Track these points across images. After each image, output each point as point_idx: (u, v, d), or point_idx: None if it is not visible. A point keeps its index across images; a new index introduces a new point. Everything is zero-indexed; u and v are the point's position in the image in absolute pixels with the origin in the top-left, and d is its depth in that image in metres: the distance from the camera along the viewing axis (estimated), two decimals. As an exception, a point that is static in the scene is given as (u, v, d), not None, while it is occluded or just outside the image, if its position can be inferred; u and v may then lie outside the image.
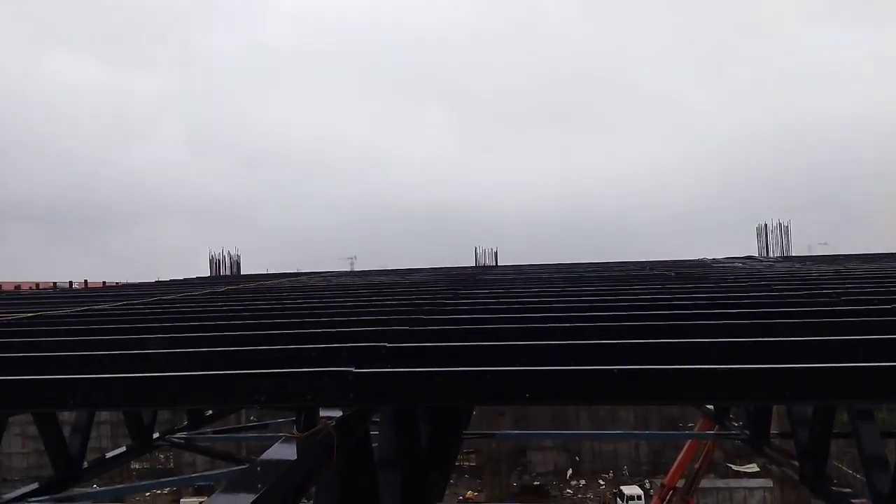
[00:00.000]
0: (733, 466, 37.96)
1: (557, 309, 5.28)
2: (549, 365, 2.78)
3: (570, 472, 39.52)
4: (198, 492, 31.55)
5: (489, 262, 23.14)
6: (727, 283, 7.89)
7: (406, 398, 2.73)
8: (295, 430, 2.56)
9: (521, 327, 4.06)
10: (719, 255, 16.97)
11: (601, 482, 39.23)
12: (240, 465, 10.74)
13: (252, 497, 1.96)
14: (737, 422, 8.61)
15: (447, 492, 5.80)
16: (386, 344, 3.26)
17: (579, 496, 38.11)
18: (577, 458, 40.12)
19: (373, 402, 2.75)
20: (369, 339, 3.53)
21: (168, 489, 32.20)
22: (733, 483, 35.88)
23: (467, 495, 35.61)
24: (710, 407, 9.09)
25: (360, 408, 2.92)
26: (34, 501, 5.93)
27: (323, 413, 2.72)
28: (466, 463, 37.72)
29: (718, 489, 34.82)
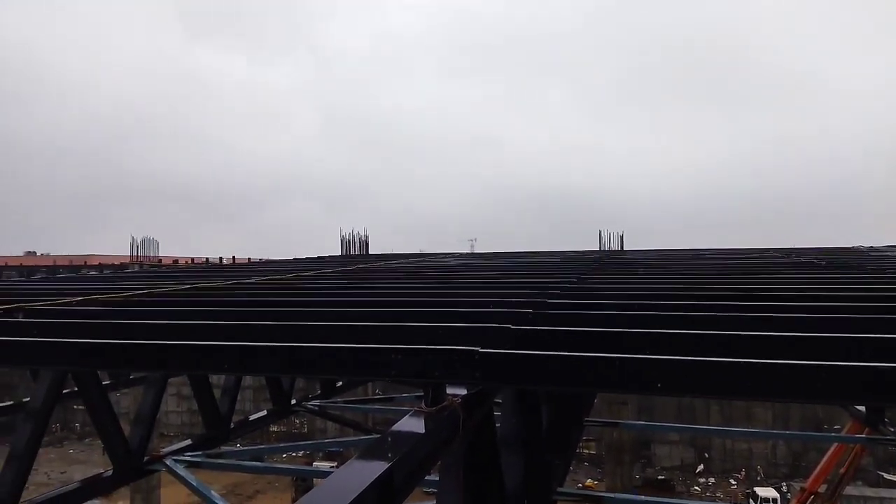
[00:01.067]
0: (885, 475, 34.43)
1: (687, 296, 5.02)
2: (679, 354, 2.65)
3: (700, 467, 37.74)
4: (328, 456, 33.56)
5: (614, 246, 22.48)
6: (890, 272, 7.11)
7: (532, 380, 2.73)
8: (423, 405, 2.64)
9: (649, 314, 3.91)
10: (878, 244, 15.32)
11: (732, 482, 37.11)
12: (367, 433, 11.29)
13: (384, 465, 2.05)
14: (893, 426, 7.80)
15: (566, 479, 5.74)
16: (510, 326, 3.27)
17: (707, 494, 36.32)
18: (706, 454, 38.20)
19: (498, 381, 2.77)
20: (494, 319, 3.55)
21: (302, 452, 34.53)
22: (884, 493, 32.55)
23: (587, 483, 35.09)
24: (862, 408, 8.29)
25: (485, 387, 2.95)
26: (188, 456, 6.55)
27: (449, 390, 2.78)
28: (586, 451, 37.13)
29: (867, 498, 31.72)
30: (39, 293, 6.21)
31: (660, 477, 37.21)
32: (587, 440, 35.83)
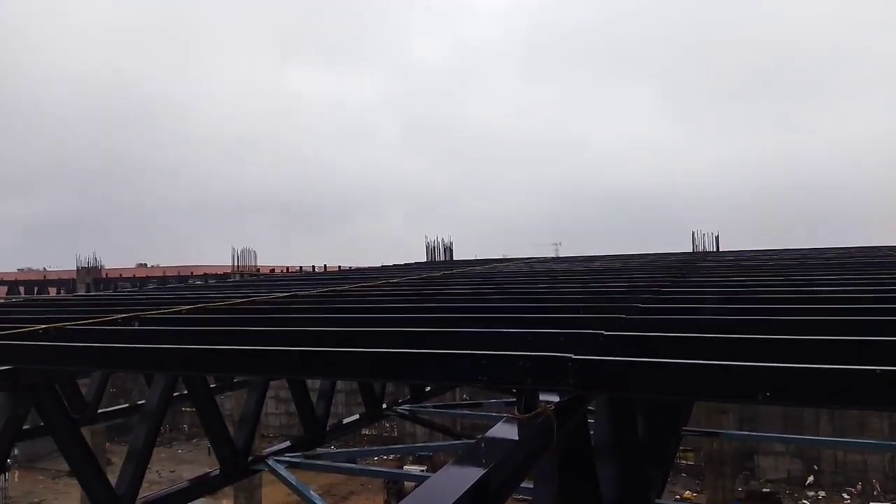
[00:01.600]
0: None
1: (787, 300, 4.74)
2: (788, 361, 2.50)
3: (810, 479, 35.37)
4: (418, 460, 33.98)
5: (709, 247, 21.47)
6: None
7: (628, 387, 2.66)
8: (516, 412, 2.63)
9: (751, 318, 3.72)
10: None
11: (845, 496, 34.50)
12: (456, 438, 11.34)
13: (480, 471, 2.06)
14: None
15: (664, 490, 5.54)
16: (603, 332, 3.20)
17: (817, 509, 33.97)
18: (815, 466, 35.74)
19: (592, 389, 2.72)
20: (585, 325, 3.49)
21: (393, 455, 35.15)
22: None
23: (685, 495, 33.67)
24: None
25: (579, 394, 2.90)
26: (288, 456, 6.82)
27: (542, 397, 2.75)
28: (684, 461, 35.62)
29: None
30: (153, 302, 6.67)
31: (764, 490, 35.15)
32: (685, 450, 34.38)
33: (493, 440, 2.41)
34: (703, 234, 22.25)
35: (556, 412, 2.64)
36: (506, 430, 2.50)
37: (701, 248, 21.40)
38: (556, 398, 2.78)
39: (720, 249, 20.91)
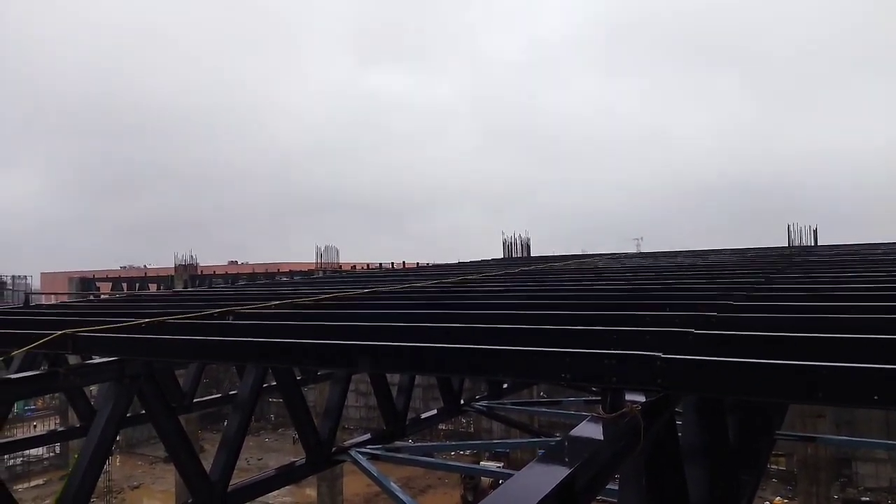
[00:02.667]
0: None
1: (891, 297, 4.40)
2: (890, 363, 2.33)
3: (913, 491, 32.83)
4: (494, 456, 33.97)
5: (806, 241, 20.25)
6: None
7: (720, 388, 2.55)
8: (601, 411, 2.58)
9: (853, 318, 3.49)
10: None
11: (958, 510, 31.84)
12: (534, 435, 11.25)
13: (565, 471, 2.04)
14: None
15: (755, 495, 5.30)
16: (693, 330, 3.09)
17: (925, 522, 31.52)
18: (923, 476, 33.14)
19: (682, 389, 2.63)
20: (674, 323, 3.38)
21: (469, 451, 35.31)
22: None
23: (776, 501, 32.06)
24: None
25: (666, 394, 2.82)
26: (369, 448, 6.97)
27: (628, 396, 2.69)
28: (775, 466, 33.92)
29: None
30: (245, 298, 6.99)
31: (863, 499, 32.96)
32: (777, 455, 32.70)
33: (578, 439, 2.38)
34: (800, 228, 20.97)
35: (643, 412, 2.57)
36: (591, 430, 2.46)
37: (797, 242, 20.19)
38: (642, 398, 2.71)
39: (818, 243, 19.69)
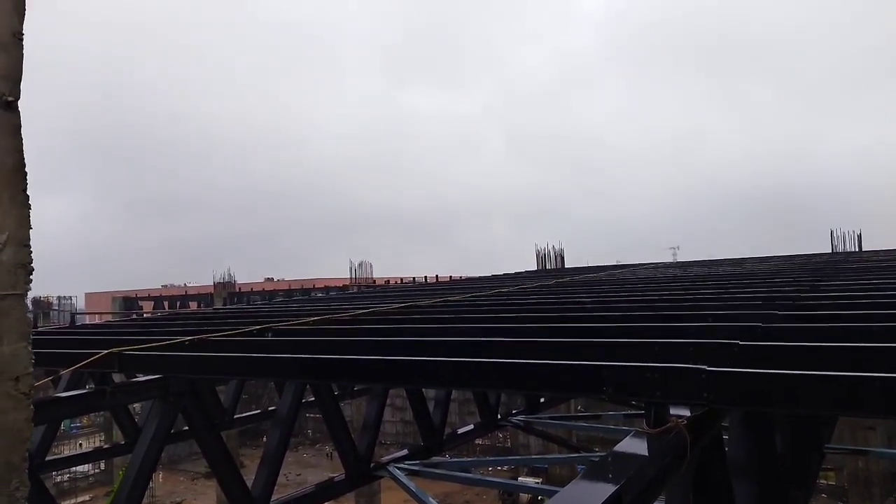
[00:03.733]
0: None
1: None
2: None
3: (973, 508, 31.28)
4: (532, 472, 33.54)
5: (851, 247, 19.65)
6: None
7: (768, 402, 2.47)
8: (645, 426, 2.53)
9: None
10: None
11: None
12: (572, 451, 11.08)
13: (611, 488, 1.99)
14: None
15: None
16: (738, 342, 3.01)
17: None
18: (984, 492, 31.60)
19: (730, 403, 2.56)
20: (717, 335, 3.30)
21: (507, 467, 34.96)
22: None
23: (826, 517, 30.89)
24: None
25: (712, 408, 2.75)
26: (407, 464, 6.96)
27: (672, 411, 2.63)
28: (824, 481, 32.74)
29: None
30: (282, 314, 7.07)
31: (921, 516, 31.55)
32: (826, 469, 31.58)
33: (623, 455, 2.33)
34: (843, 233, 20.33)
35: (688, 427, 2.51)
36: (636, 445, 2.41)
37: (841, 248, 19.59)
38: (687, 412, 2.65)
39: (863, 249, 19.07)
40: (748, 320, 3.81)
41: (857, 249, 19.25)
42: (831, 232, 20.63)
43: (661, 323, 4.19)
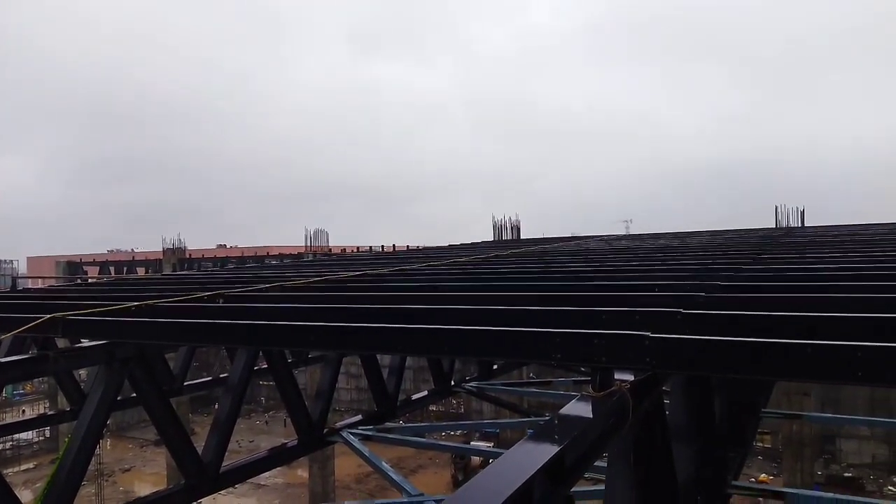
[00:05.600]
0: None
1: (872, 276, 4.47)
2: (873, 340, 2.36)
3: (898, 467, 33.51)
4: (484, 436, 34.29)
5: (793, 223, 20.41)
6: None
7: (708, 367, 2.59)
8: (590, 390, 2.61)
9: (841, 297, 3.53)
10: None
11: (937, 485, 32.58)
12: (524, 415, 11.35)
13: (554, 449, 2.06)
14: None
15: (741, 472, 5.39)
16: (681, 310, 3.12)
17: (906, 496, 32.20)
18: (903, 452, 33.84)
19: (671, 368, 2.66)
20: (661, 304, 3.41)
21: (460, 431, 35.63)
22: None
23: (761, 478, 32.62)
24: None
25: (654, 373, 2.85)
26: (360, 429, 7.03)
27: (616, 376, 2.72)
28: (760, 444, 34.50)
29: None
30: (234, 281, 6.96)
31: (846, 475, 33.65)
32: (762, 433, 33.28)
33: (568, 417, 2.40)
34: (788, 210, 21.08)
35: (631, 391, 2.60)
36: (580, 408, 2.49)
37: (785, 224, 20.32)
38: (631, 377, 2.75)
39: (805, 224, 19.82)
40: (692, 290, 3.94)
41: (800, 225, 20.00)
42: (776, 208, 21.38)
43: (609, 292, 4.29)
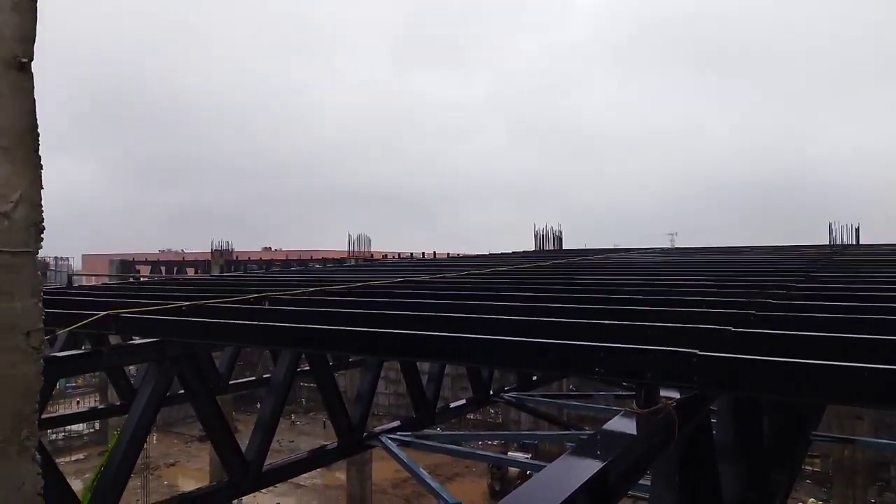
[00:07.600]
0: None
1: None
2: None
3: (955, 499, 31.80)
4: (522, 447, 33.96)
5: (848, 240, 19.69)
6: None
7: (757, 388, 2.52)
8: (635, 406, 2.57)
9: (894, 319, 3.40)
10: None
11: None
12: (562, 428, 11.21)
13: (598, 465, 2.04)
14: None
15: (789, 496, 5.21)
16: (730, 328, 3.05)
17: (966, 531, 30.52)
18: (965, 484, 32.09)
19: (719, 387, 2.60)
20: (710, 321, 3.34)
21: (497, 441, 35.41)
22: None
23: (809, 503, 31.44)
24: None
25: (701, 392, 2.79)
26: (399, 435, 7.07)
27: (662, 393, 2.67)
28: (810, 467, 33.25)
29: None
30: (279, 284, 7.11)
31: (902, 505, 32.10)
32: (812, 456, 32.04)
33: (612, 433, 2.38)
34: (842, 226, 20.36)
35: (677, 408, 2.56)
36: (624, 424, 2.46)
37: (839, 242, 19.62)
38: (677, 395, 2.70)
39: (860, 242, 19.11)
40: (743, 307, 3.85)
41: (854, 243, 19.28)
42: (829, 225, 20.67)
43: (656, 307, 4.22)
